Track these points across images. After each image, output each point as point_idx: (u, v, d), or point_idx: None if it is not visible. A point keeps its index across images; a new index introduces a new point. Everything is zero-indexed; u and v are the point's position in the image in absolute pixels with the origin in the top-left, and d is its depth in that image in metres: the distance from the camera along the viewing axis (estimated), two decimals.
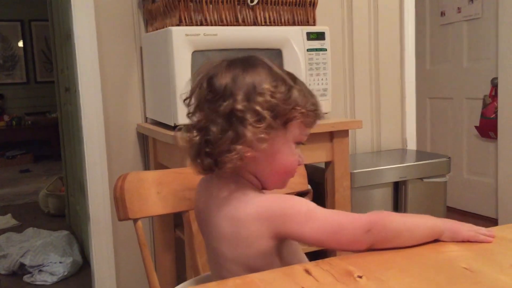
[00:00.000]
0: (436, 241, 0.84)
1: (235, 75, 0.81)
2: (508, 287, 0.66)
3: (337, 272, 0.71)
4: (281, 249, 0.84)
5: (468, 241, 0.80)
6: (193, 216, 1.26)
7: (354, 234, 0.79)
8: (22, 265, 2.63)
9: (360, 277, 0.70)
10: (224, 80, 0.81)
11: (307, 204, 0.81)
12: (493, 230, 0.84)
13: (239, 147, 0.78)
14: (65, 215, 3.53)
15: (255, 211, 0.81)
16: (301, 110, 0.82)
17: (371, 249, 0.79)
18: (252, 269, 0.80)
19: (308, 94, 0.85)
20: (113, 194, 0.96)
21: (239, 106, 0.78)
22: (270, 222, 0.80)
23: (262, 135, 0.79)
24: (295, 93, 0.82)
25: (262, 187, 0.87)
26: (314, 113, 0.85)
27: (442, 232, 0.81)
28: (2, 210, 3.94)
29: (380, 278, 0.69)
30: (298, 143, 0.86)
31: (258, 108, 0.78)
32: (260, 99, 0.79)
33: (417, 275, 0.70)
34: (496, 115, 3.04)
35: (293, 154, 0.85)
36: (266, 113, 0.79)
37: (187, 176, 1.03)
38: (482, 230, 0.83)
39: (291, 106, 0.81)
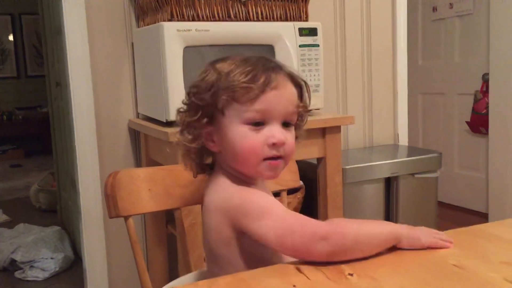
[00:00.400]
0: None
1: None
2: (497, 284, 0.66)
3: (328, 270, 0.71)
4: (243, 240, 0.82)
5: (429, 248, 0.77)
6: (185, 213, 1.25)
7: (302, 240, 0.72)
8: (13, 261, 2.61)
9: (351, 275, 0.70)
10: None
11: (267, 202, 0.79)
12: (450, 233, 0.83)
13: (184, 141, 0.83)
14: (56, 210, 3.51)
15: (218, 201, 0.83)
16: (221, 91, 0.78)
17: (330, 260, 0.73)
18: (218, 258, 0.84)
19: (236, 70, 0.79)
20: (104, 191, 0.96)
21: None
22: (229, 213, 0.80)
23: (186, 132, 0.82)
24: (211, 78, 0.80)
25: (246, 177, 0.85)
26: (242, 86, 0.77)
27: (400, 238, 0.77)
28: None
29: (371, 276, 0.69)
30: (257, 123, 0.79)
31: (183, 103, 0.84)
32: (187, 96, 0.84)
33: (407, 273, 0.71)
34: (487, 111, 3.05)
35: (246, 136, 0.79)
36: (186, 108, 0.83)
37: (178, 173, 1.03)
38: (441, 235, 0.80)
39: (208, 94, 0.79)
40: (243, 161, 0.80)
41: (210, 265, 0.88)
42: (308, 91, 0.87)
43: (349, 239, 0.73)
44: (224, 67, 0.80)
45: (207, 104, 0.80)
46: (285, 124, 0.82)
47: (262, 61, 0.81)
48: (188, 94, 0.83)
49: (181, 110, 0.85)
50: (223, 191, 0.83)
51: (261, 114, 0.79)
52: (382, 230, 0.77)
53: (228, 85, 0.78)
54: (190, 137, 0.82)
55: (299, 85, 0.85)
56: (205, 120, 0.81)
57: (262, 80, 0.78)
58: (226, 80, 0.78)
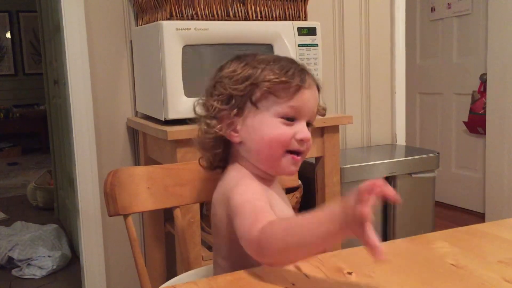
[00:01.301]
0: (423, 238, 0.85)
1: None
2: (494, 283, 0.67)
3: (327, 269, 0.72)
4: None
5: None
6: (183, 211, 1.26)
7: (245, 244, 0.72)
8: (10, 259, 2.61)
9: (350, 273, 0.71)
10: None
11: (244, 197, 0.77)
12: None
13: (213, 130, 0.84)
14: (53, 208, 3.51)
15: (219, 193, 0.85)
16: (259, 84, 0.80)
17: (275, 264, 0.70)
18: (222, 250, 0.85)
19: (273, 65, 0.82)
20: (103, 190, 0.96)
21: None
22: (225, 205, 0.82)
23: (215, 119, 0.84)
24: (248, 71, 0.82)
25: (263, 172, 0.86)
26: (282, 81, 0.80)
27: (345, 221, 0.64)
28: None
29: (370, 275, 0.70)
30: (289, 118, 0.81)
31: (215, 93, 0.84)
32: (217, 85, 0.84)
33: (405, 272, 0.71)
34: (485, 111, 3.06)
35: (277, 128, 0.81)
36: (218, 97, 0.84)
37: (177, 171, 1.03)
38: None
39: (244, 85, 0.81)
40: (269, 150, 0.82)
41: (215, 258, 0.89)
42: (319, 92, 0.90)
43: (277, 249, 0.68)
44: (257, 60, 0.83)
45: (240, 95, 0.82)
46: (307, 124, 0.85)
47: (292, 61, 0.84)
48: (219, 83, 0.84)
49: (201, 101, 0.87)
50: (225, 183, 0.85)
51: (294, 110, 0.82)
52: (316, 230, 0.65)
53: (268, 78, 0.80)
54: (218, 125, 0.84)
55: (319, 89, 0.89)
56: (235, 110, 0.83)
57: (299, 78, 0.81)
58: (263, 73, 0.81)
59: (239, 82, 0.82)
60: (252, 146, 0.83)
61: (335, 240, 0.66)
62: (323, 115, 0.93)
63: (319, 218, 0.65)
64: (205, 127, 0.85)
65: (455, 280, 0.68)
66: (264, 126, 0.81)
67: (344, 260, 0.75)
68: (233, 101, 0.82)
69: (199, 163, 0.92)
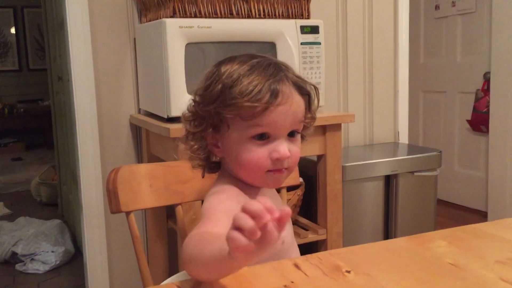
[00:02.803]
0: (422, 237, 0.85)
1: None
2: (493, 283, 0.67)
3: (326, 267, 0.73)
4: None
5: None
6: (185, 208, 1.26)
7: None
8: (14, 254, 2.63)
9: (349, 272, 0.71)
10: None
11: (211, 205, 0.77)
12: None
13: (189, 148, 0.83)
14: (57, 204, 3.53)
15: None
16: (224, 108, 0.76)
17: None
18: None
19: (242, 80, 0.75)
20: (106, 187, 0.97)
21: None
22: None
23: (191, 140, 0.82)
24: (215, 88, 0.77)
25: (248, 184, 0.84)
26: (245, 106, 0.74)
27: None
28: None
29: (368, 274, 0.71)
30: (261, 137, 0.77)
31: (188, 110, 0.83)
32: (190, 105, 0.83)
33: (404, 271, 0.72)
34: (488, 109, 3.06)
35: (250, 151, 0.78)
36: (190, 119, 0.82)
37: (179, 169, 1.04)
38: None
39: (213, 107, 0.77)
40: (247, 171, 0.80)
41: None
42: (317, 95, 0.85)
43: (184, 256, 0.66)
44: (229, 73, 0.77)
45: (211, 116, 0.79)
46: (291, 134, 0.80)
47: (270, 70, 0.77)
48: (193, 101, 0.82)
49: (186, 115, 0.83)
50: (211, 189, 0.84)
51: (265, 129, 0.77)
52: (214, 246, 0.60)
53: (231, 103, 0.75)
54: (195, 146, 0.82)
55: (307, 94, 0.83)
56: (210, 130, 0.81)
57: (267, 96, 0.75)
58: (230, 96, 0.75)
59: (207, 103, 0.78)
60: (231, 164, 0.82)
61: (226, 267, 0.60)
62: (309, 124, 0.86)
63: (219, 236, 0.59)
64: (193, 146, 0.83)
65: (453, 280, 0.69)
66: (238, 149, 0.78)
67: (342, 259, 0.76)
68: (205, 123, 0.80)
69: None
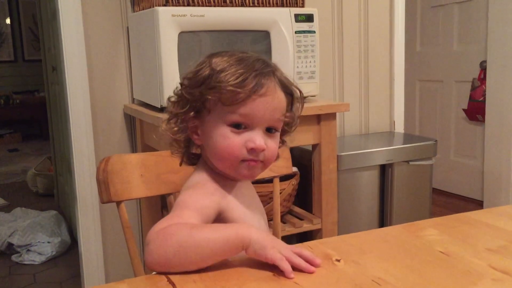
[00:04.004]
0: (414, 225, 0.85)
1: None
2: (482, 270, 0.67)
3: (316, 255, 0.72)
4: None
5: (273, 263, 0.67)
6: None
7: (149, 232, 0.69)
8: (10, 245, 2.63)
9: (338, 260, 0.71)
10: None
11: (186, 199, 0.77)
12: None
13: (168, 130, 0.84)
14: (53, 194, 3.52)
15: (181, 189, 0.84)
16: (208, 91, 0.78)
17: (158, 272, 0.67)
18: None
19: (229, 70, 0.77)
20: (96, 176, 0.96)
21: None
22: None
23: (173, 122, 0.83)
24: (203, 73, 0.79)
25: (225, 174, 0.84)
26: (229, 90, 0.76)
27: (248, 244, 0.68)
28: None
29: (358, 262, 0.70)
30: (238, 125, 0.78)
31: (174, 93, 0.84)
32: (177, 87, 0.84)
33: (393, 259, 0.72)
34: (484, 98, 3.05)
35: (225, 137, 0.78)
36: (176, 98, 0.83)
37: (170, 159, 1.03)
38: (296, 258, 0.68)
39: (198, 90, 0.79)
40: (221, 160, 0.80)
41: None
42: (302, 100, 0.86)
43: (171, 245, 0.66)
44: (218, 63, 0.79)
45: (195, 99, 0.80)
46: (269, 130, 0.81)
47: (257, 64, 0.79)
48: (180, 85, 0.83)
49: (172, 99, 0.84)
50: (188, 182, 0.84)
51: (244, 118, 0.78)
52: (220, 235, 0.68)
53: (216, 85, 0.77)
54: (175, 128, 0.83)
55: (291, 94, 0.84)
56: (192, 114, 0.81)
57: (251, 85, 0.77)
58: (216, 79, 0.77)
59: (193, 86, 0.80)
60: (209, 152, 0.82)
61: (226, 251, 0.68)
62: (289, 124, 0.86)
63: (225, 226, 0.72)
64: (173, 128, 0.83)
65: (443, 267, 0.69)
66: (215, 134, 0.79)
67: (332, 248, 0.76)
68: (189, 105, 0.81)
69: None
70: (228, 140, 0.78)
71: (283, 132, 0.87)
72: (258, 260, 0.69)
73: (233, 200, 0.83)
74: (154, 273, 0.68)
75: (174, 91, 0.84)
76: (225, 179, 0.84)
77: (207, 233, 0.68)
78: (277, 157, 0.85)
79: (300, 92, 0.85)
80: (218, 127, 0.79)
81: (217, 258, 0.68)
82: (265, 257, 0.67)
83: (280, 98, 0.81)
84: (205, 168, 0.85)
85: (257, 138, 0.78)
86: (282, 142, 0.88)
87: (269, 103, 0.79)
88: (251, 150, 0.78)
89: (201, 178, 0.83)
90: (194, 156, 0.88)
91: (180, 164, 0.89)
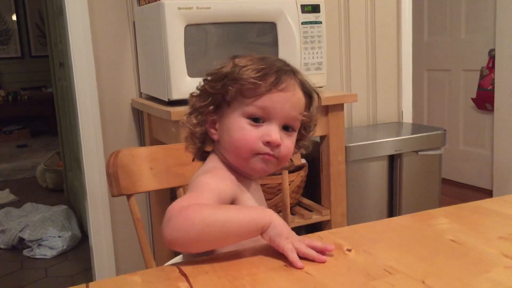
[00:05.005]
0: (424, 214, 0.85)
1: None
2: (494, 259, 0.67)
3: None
4: None
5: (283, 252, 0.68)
6: (186, 191, 1.26)
7: (167, 210, 0.69)
8: (21, 240, 2.66)
9: (349, 250, 0.71)
10: None
11: (204, 181, 0.77)
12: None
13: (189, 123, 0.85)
14: (63, 189, 3.55)
15: (192, 178, 0.83)
16: (230, 82, 0.79)
17: (177, 250, 0.69)
18: None
19: (252, 66, 0.79)
20: (106, 170, 0.97)
21: None
22: None
23: (194, 115, 0.84)
24: (226, 69, 0.81)
25: (240, 170, 0.84)
26: (250, 82, 0.78)
27: (268, 228, 0.69)
28: (0, 185, 3.96)
29: (369, 252, 0.70)
30: (256, 119, 0.79)
31: (197, 88, 0.85)
32: (201, 82, 0.84)
33: (404, 248, 0.71)
34: (493, 87, 3.03)
35: (242, 129, 0.79)
36: (199, 94, 0.84)
37: (179, 152, 1.03)
38: (307, 249, 0.68)
39: (220, 83, 0.80)
40: (236, 151, 0.80)
41: None
42: (319, 102, 0.87)
43: (195, 223, 0.66)
44: (241, 61, 0.81)
45: (216, 93, 0.81)
46: (286, 128, 0.81)
47: (278, 63, 0.81)
48: (203, 80, 0.85)
49: (194, 94, 0.86)
50: (201, 170, 0.84)
51: (262, 111, 0.79)
52: (245, 215, 0.70)
53: (238, 77, 0.79)
54: (195, 121, 0.84)
55: (310, 95, 0.85)
56: (211, 107, 0.82)
57: (271, 79, 0.78)
58: (238, 73, 0.79)
59: (216, 80, 0.81)
60: (225, 146, 0.83)
61: (250, 232, 0.69)
62: (310, 122, 0.87)
63: (249, 207, 0.76)
64: (193, 120, 0.84)
65: (454, 256, 0.68)
66: (233, 126, 0.80)
67: (343, 237, 0.76)
68: (210, 98, 0.82)
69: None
70: (244, 132, 0.79)
71: (300, 136, 0.87)
72: (269, 250, 0.69)
73: (246, 193, 0.84)
74: (169, 262, 0.69)
75: (197, 86, 0.85)
76: (237, 174, 0.84)
77: (233, 213, 0.69)
78: (291, 161, 0.86)
79: (319, 97, 0.86)
80: (236, 119, 0.80)
81: (240, 238, 0.69)
82: (277, 245, 0.68)
83: (299, 96, 0.82)
84: (218, 158, 0.85)
85: (273, 132, 0.79)
86: (298, 148, 0.89)
87: (288, 98, 0.80)
88: (267, 144, 0.79)
89: (217, 164, 0.84)
90: (207, 154, 0.88)
91: (193, 160, 0.89)
